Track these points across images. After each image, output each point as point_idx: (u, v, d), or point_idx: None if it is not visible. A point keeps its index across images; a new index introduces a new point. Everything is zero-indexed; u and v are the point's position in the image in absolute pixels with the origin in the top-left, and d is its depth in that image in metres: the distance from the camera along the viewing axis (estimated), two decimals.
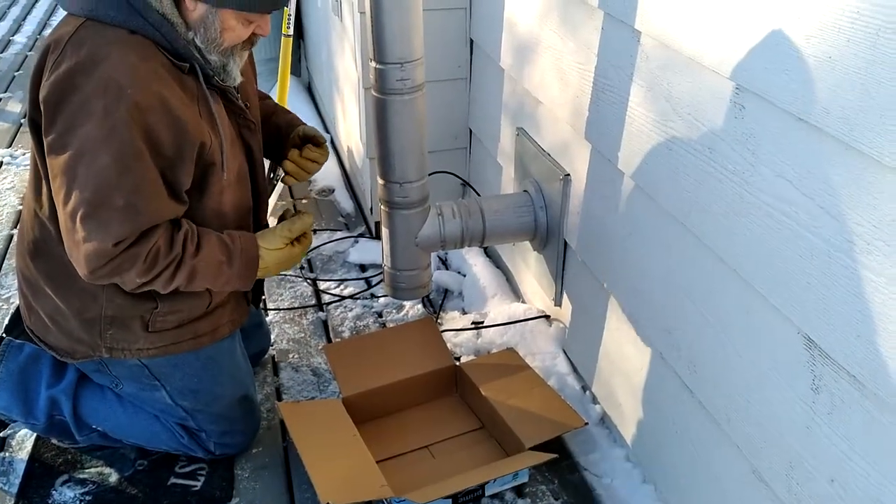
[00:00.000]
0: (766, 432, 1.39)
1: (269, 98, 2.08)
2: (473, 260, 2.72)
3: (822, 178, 1.17)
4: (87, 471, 1.95)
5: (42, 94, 1.51)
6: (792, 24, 1.18)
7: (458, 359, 2.31)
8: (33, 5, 6.47)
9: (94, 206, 1.51)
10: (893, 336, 1.08)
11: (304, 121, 2.06)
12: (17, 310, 1.91)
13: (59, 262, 1.68)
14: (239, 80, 1.70)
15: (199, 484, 1.92)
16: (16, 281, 2.61)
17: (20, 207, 3.18)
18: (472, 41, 2.63)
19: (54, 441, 2.01)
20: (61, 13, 6.12)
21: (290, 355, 2.38)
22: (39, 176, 1.65)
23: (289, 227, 1.80)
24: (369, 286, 2.69)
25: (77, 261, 1.57)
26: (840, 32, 1.08)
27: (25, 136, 3.87)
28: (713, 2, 1.36)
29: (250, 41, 1.66)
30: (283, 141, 1.98)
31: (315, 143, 1.99)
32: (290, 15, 3.23)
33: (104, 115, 1.47)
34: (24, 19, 6.05)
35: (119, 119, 1.47)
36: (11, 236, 2.97)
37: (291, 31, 3.25)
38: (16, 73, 4.85)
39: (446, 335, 2.35)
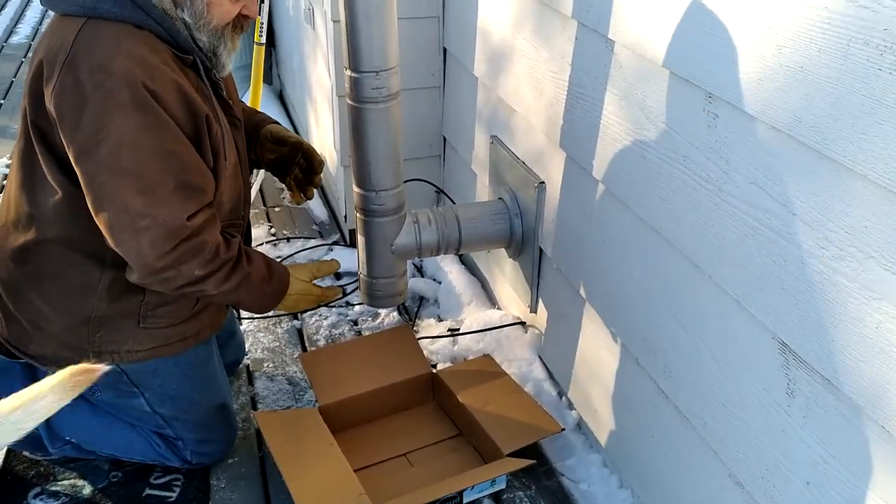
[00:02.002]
0: (742, 436, 1.41)
1: (242, 102, 2.09)
2: (449, 267, 2.73)
3: (795, 186, 1.19)
4: (59, 483, 1.93)
5: (57, 99, 1.49)
6: (764, 34, 1.20)
7: (434, 366, 2.31)
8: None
9: (150, 193, 1.53)
10: (866, 340, 1.10)
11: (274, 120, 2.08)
12: None
13: (51, 264, 1.68)
14: (229, 69, 1.72)
15: (174, 495, 1.91)
16: None
17: None
18: (445, 50, 2.64)
19: (26, 453, 1.98)
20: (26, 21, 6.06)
21: (265, 364, 2.37)
22: (34, 178, 1.63)
23: (318, 266, 1.94)
24: (344, 294, 2.68)
25: (137, 252, 1.56)
26: (812, 42, 1.11)
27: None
28: (686, 12, 1.38)
29: (240, 25, 1.68)
30: (251, 140, 2.01)
31: (312, 168, 2.05)
32: (262, 23, 3.23)
33: (133, 105, 1.48)
34: None
35: (148, 107, 1.49)
36: None
37: (263, 40, 3.25)
38: None
39: (422, 343, 2.35)
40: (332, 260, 1.98)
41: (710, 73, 1.33)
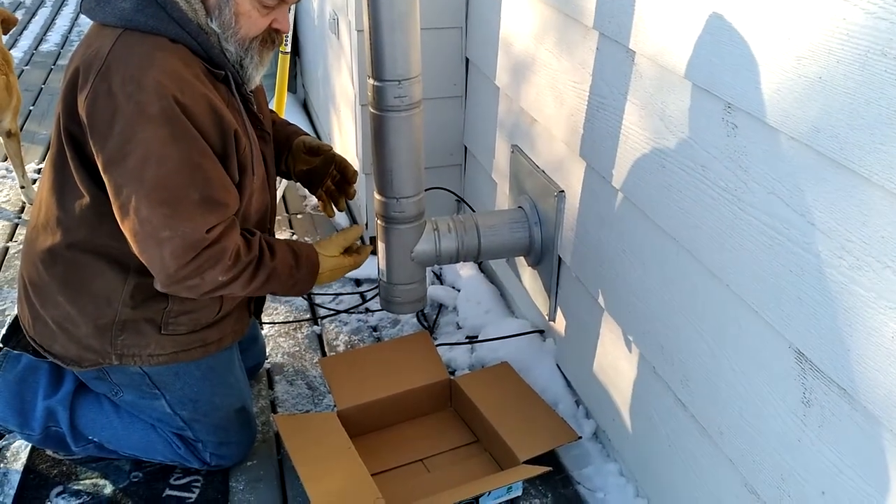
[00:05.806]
0: (758, 445, 1.41)
1: (273, 112, 2.11)
2: (468, 275, 2.74)
3: (813, 196, 1.20)
4: (81, 482, 1.96)
5: (89, 108, 1.52)
6: (783, 45, 1.21)
7: (452, 373, 2.33)
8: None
9: (173, 206, 1.54)
10: (882, 349, 1.10)
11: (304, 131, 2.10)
12: (15, 319, 1.92)
13: (77, 268, 1.71)
14: (257, 82, 1.74)
15: (193, 496, 1.93)
16: (11, 293, 2.63)
17: (16, 220, 3.19)
18: (467, 60, 2.67)
19: (49, 452, 2.01)
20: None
21: (285, 369, 2.39)
22: (64, 182, 1.66)
23: (344, 236, 1.93)
24: (364, 300, 2.70)
25: (160, 262, 1.58)
26: (830, 54, 1.11)
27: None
28: (706, 23, 1.39)
29: (271, 39, 1.69)
30: (282, 151, 2.03)
31: (346, 179, 2.07)
32: (287, 33, 3.27)
33: (162, 118, 1.50)
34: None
35: (177, 120, 1.51)
36: (7, 249, 2.97)
37: (289, 49, 3.29)
38: None
39: (441, 349, 2.36)
40: (354, 226, 1.98)
41: (729, 83, 1.34)
